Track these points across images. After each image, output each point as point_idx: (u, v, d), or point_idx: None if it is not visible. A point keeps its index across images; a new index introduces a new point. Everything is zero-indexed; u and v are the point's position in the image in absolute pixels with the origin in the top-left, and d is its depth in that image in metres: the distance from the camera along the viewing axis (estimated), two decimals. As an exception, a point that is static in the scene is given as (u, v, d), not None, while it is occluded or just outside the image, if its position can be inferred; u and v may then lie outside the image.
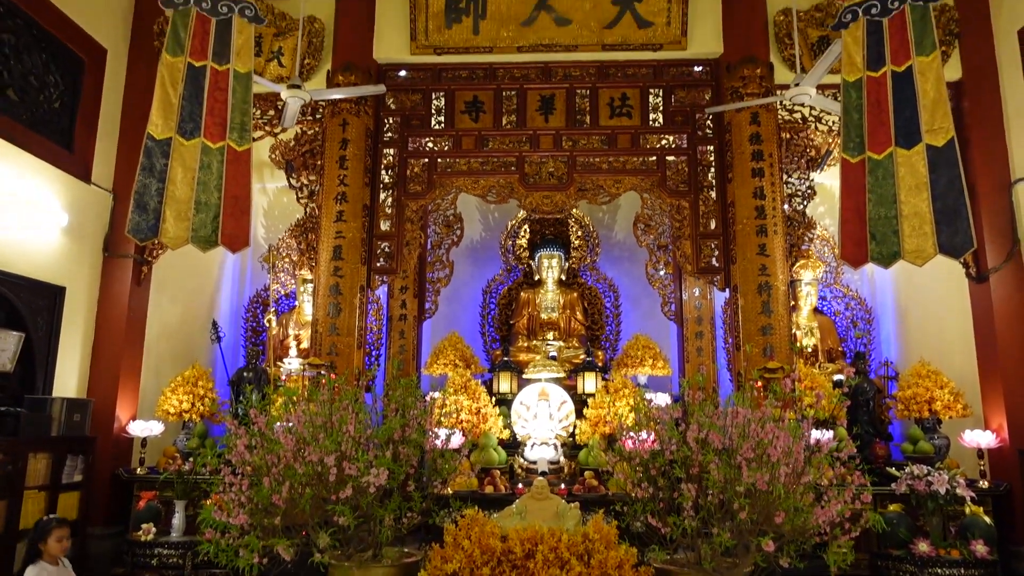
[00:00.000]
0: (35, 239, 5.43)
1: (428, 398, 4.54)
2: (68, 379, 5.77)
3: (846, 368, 6.61)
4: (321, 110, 6.42)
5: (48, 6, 5.61)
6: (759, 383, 4.85)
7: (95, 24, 6.10)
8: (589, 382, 6.91)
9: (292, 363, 6.93)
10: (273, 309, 6.91)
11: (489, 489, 5.58)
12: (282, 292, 7.84)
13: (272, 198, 8.54)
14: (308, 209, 6.61)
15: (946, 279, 6.14)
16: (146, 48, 6.41)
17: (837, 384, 6.05)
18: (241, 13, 4.39)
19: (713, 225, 6.14)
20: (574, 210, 8.19)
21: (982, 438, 5.44)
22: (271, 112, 6.50)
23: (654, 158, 6.30)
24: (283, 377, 6.73)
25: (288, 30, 6.36)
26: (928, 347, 6.49)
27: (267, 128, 6.54)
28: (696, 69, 6.42)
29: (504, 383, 6.96)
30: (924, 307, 6.78)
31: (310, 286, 7.16)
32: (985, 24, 6.06)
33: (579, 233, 8.51)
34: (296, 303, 7.56)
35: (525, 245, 8.57)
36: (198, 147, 4.20)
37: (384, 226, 6.33)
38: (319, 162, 6.39)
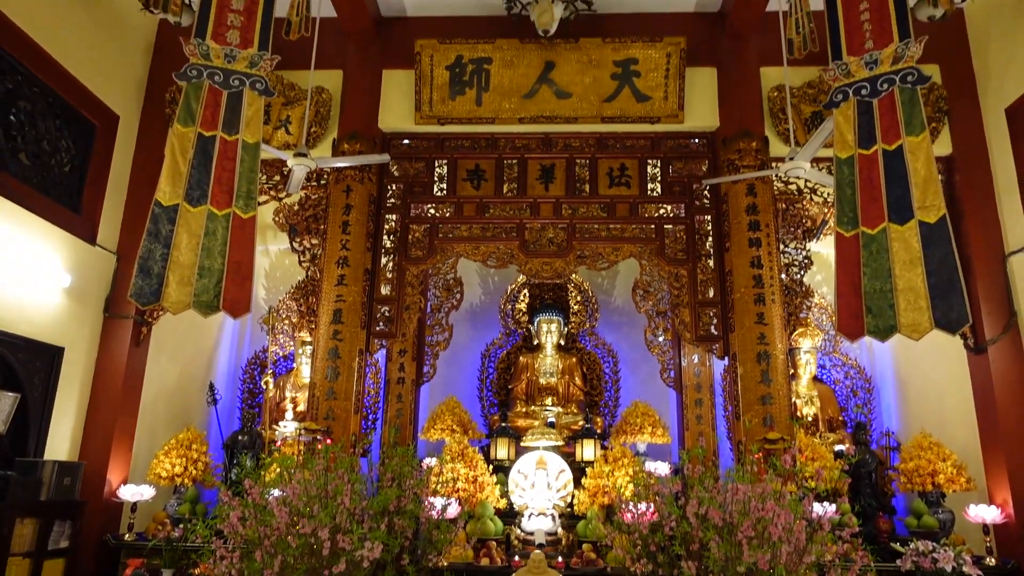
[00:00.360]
0: (37, 299, 5.48)
1: (424, 465, 4.49)
2: (61, 441, 5.71)
3: (847, 440, 6.58)
4: (326, 176, 6.57)
5: (65, 75, 5.80)
6: (759, 455, 4.81)
7: (109, 92, 6.29)
8: (588, 450, 6.83)
9: (288, 427, 6.88)
10: (271, 371, 6.89)
11: (485, 562, 5.46)
12: (280, 354, 7.84)
13: (274, 260, 8.63)
14: (309, 272, 6.66)
15: (945, 349, 6.14)
16: (157, 116, 6.61)
17: (839, 455, 5.98)
18: (252, 86, 4.52)
19: (711, 293, 6.18)
20: (573, 275, 8.26)
21: (987, 513, 5.36)
22: (277, 177, 6.66)
23: (653, 226, 6.39)
24: (278, 441, 6.67)
25: (296, 99, 6.55)
26: (929, 417, 6.45)
27: (272, 193, 6.68)
28: (693, 141, 6.58)
29: (502, 450, 6.89)
30: (924, 377, 6.77)
31: (308, 348, 7.14)
32: (973, 102, 6.27)
33: (578, 298, 8.56)
34: (294, 365, 7.53)
35: (524, 309, 8.60)
36: (204, 214, 4.27)
37: (384, 290, 6.38)
38: (322, 226, 6.48)
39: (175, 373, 6.92)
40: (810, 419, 7.00)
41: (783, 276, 6.24)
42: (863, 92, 4.29)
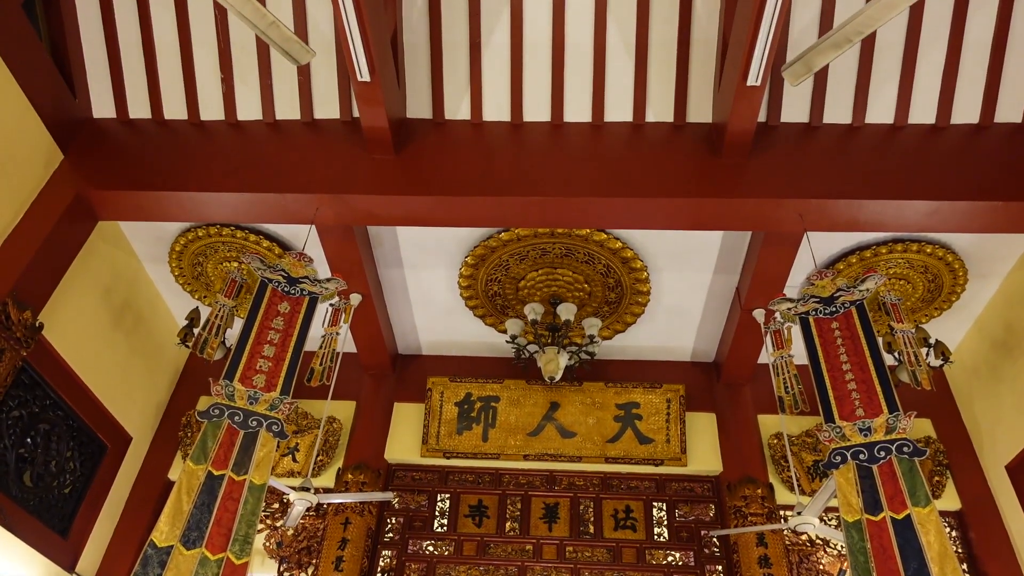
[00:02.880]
0: (-6, 640, 5.05)
1: None
2: None
3: None
4: (325, 506, 6.38)
5: (90, 399, 6.04)
6: None
7: (128, 414, 6.48)
8: None
9: None
10: None
11: None
12: None
13: (257, 590, 8.06)
14: (294, 612, 6.19)
15: None
16: (170, 438, 6.75)
17: None
18: (268, 428, 4.64)
19: (729, 658, 5.69)
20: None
21: None
22: (276, 505, 6.53)
23: (661, 575, 6.10)
24: None
25: (307, 428, 6.70)
26: None
27: (268, 522, 6.50)
28: (698, 485, 6.57)
29: None
30: None
31: None
32: (973, 460, 6.34)
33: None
34: None
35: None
36: (196, 559, 4.09)
37: (372, 637, 5.88)
38: (314, 560, 6.18)
39: None
40: None
41: (806, 640, 5.77)
42: (861, 457, 4.35)
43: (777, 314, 5.08)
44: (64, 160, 5.34)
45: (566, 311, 6.25)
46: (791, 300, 4.97)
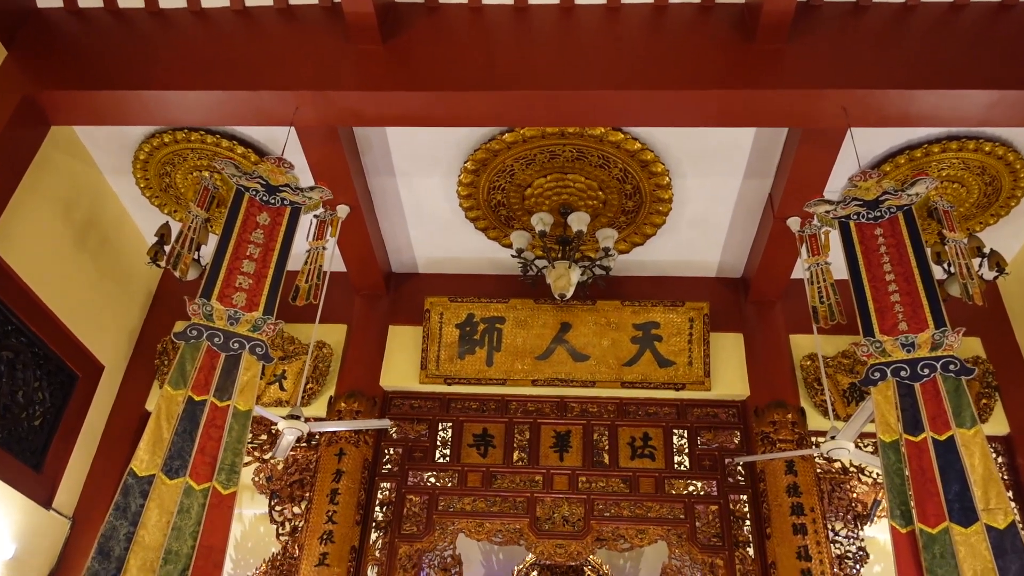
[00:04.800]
0: (-29, 576, 5.28)
1: None
2: None
3: None
4: (317, 437, 6.56)
5: (56, 325, 6.12)
6: None
7: (99, 342, 6.59)
8: None
9: None
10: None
11: None
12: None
13: (247, 527, 8.35)
14: (287, 547, 6.39)
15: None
16: (145, 367, 6.88)
17: None
18: (252, 350, 4.70)
19: (754, 589, 5.93)
20: (591, 556, 7.92)
21: None
22: (264, 437, 6.69)
23: (681, 505, 6.26)
24: None
25: (295, 354, 6.81)
26: None
27: (257, 454, 6.66)
28: (723, 411, 6.68)
29: None
30: None
31: (277, 640, 6.64)
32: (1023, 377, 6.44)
33: (597, 583, 8.13)
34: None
35: (534, 595, 8.14)
36: (180, 488, 4.21)
37: (372, 572, 6.10)
38: (307, 494, 6.36)
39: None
40: None
41: (836, 571, 5.93)
42: (902, 374, 4.39)
43: (815, 218, 5.04)
44: (8, 57, 5.21)
45: (578, 221, 6.19)
46: (830, 202, 4.92)
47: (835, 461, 6.42)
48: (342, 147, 5.66)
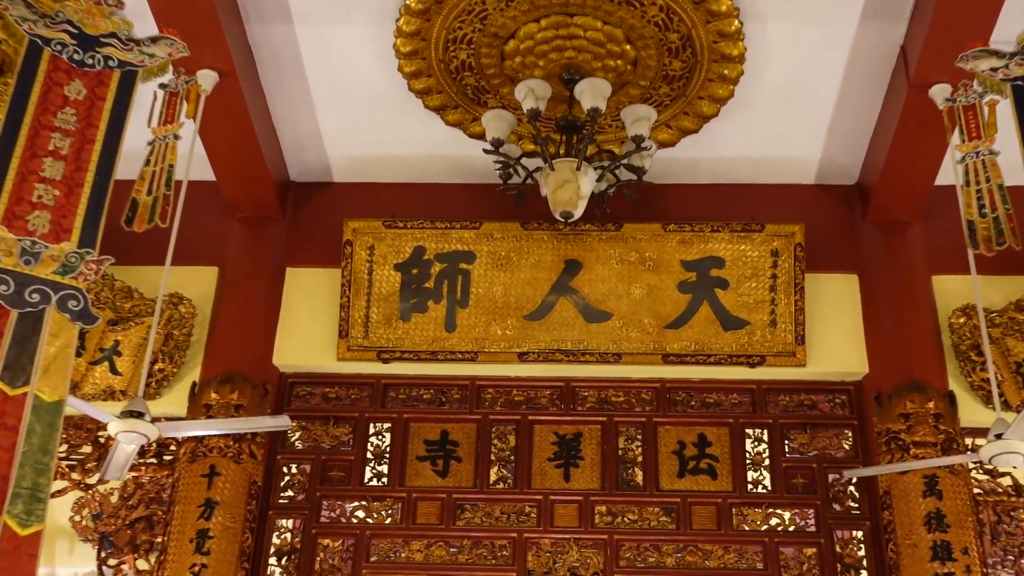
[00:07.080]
0: None
1: None
2: None
3: None
4: (174, 447, 6.21)
5: None
6: None
7: None
8: None
9: None
10: None
11: None
12: None
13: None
14: (132, 627, 5.81)
15: None
16: None
17: None
18: (62, 307, 4.31)
19: None
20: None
21: None
22: (87, 449, 6.28)
23: (759, 549, 6.05)
24: None
25: (134, 315, 6.47)
26: None
27: (75, 477, 6.24)
28: (824, 399, 6.46)
29: None
30: None
31: None
32: None
33: None
34: None
35: None
36: (-58, 529, 3.97)
37: (269, 673, 5.58)
38: (160, 539, 5.98)
39: None
40: None
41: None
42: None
43: (974, 81, 4.87)
44: None
45: (592, 94, 5.68)
46: (1000, 54, 4.65)
47: (1004, 474, 6.10)
48: (205, -26, 5.20)
